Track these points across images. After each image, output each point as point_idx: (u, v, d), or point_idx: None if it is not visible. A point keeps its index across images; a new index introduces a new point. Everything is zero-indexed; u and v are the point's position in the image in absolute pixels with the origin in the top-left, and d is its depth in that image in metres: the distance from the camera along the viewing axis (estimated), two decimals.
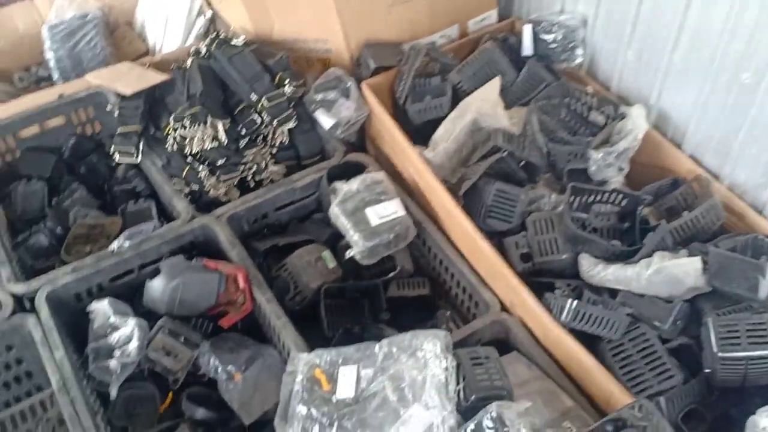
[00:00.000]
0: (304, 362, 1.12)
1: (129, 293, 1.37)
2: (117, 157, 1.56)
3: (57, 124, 1.71)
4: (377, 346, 1.09)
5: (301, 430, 1.03)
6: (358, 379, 1.06)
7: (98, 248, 1.48)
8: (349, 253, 1.41)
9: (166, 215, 1.56)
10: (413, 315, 1.41)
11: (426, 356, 1.05)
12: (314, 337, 1.26)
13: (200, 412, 1.22)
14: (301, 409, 1.05)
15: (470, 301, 1.38)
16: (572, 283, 1.27)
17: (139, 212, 1.56)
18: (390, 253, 1.41)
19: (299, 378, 1.10)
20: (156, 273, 1.34)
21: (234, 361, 1.26)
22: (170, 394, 1.27)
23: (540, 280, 1.28)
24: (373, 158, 1.58)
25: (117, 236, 1.49)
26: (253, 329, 1.38)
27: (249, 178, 1.58)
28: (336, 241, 1.48)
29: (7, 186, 1.63)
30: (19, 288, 1.28)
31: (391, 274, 1.41)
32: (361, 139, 1.70)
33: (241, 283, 1.30)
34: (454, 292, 1.42)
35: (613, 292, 1.25)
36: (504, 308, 1.29)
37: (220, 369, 1.25)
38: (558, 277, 1.30)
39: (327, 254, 1.42)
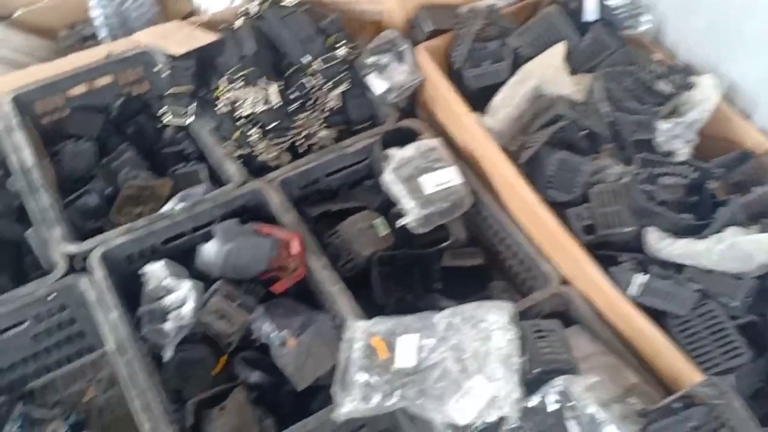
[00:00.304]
0: (361, 330, 1.10)
1: (180, 256, 1.35)
2: (167, 118, 1.54)
3: (104, 83, 1.68)
4: (438, 316, 1.06)
5: (361, 398, 1.01)
6: (419, 348, 1.04)
7: (149, 210, 1.46)
8: (402, 221, 1.38)
9: (215, 179, 1.54)
10: (465, 286, 1.38)
11: (490, 327, 1.02)
12: (365, 305, 1.24)
13: (255, 376, 1.21)
14: (361, 377, 1.03)
15: (527, 273, 1.34)
16: (637, 256, 1.23)
17: (188, 175, 1.54)
18: (444, 222, 1.37)
19: (357, 345, 1.08)
20: (208, 236, 1.33)
21: (287, 327, 1.24)
22: (223, 358, 1.26)
23: (602, 254, 1.23)
24: (425, 125, 1.53)
25: (168, 198, 1.48)
26: (304, 295, 1.36)
27: (299, 142, 1.55)
28: (387, 209, 1.46)
29: (55, 145, 1.62)
30: (73, 248, 1.27)
31: (445, 243, 1.38)
32: (412, 104, 1.66)
33: (296, 249, 1.27)
34: (510, 264, 1.39)
35: (678, 267, 1.21)
36: (563, 281, 1.25)
37: (273, 334, 1.23)
38: (620, 251, 1.26)
39: (379, 221, 1.39)
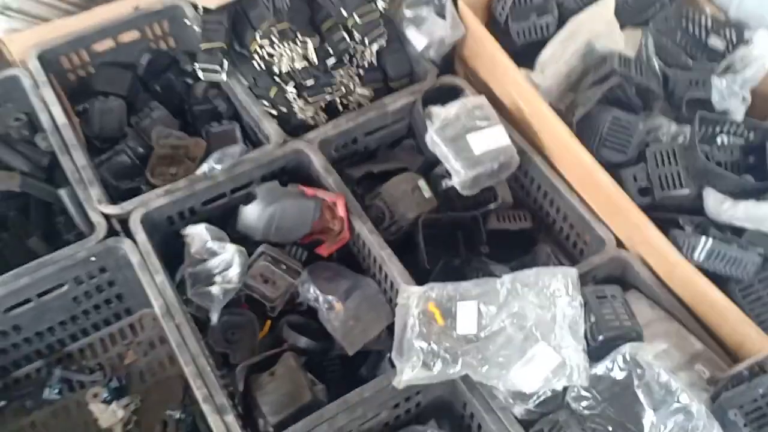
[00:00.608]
0: (416, 295, 1.07)
1: (218, 217, 1.32)
2: (201, 75, 1.48)
3: (131, 38, 1.62)
4: (499, 283, 1.03)
5: (422, 366, 0.99)
6: (480, 315, 1.01)
7: (183, 170, 1.42)
8: (448, 183, 1.34)
9: (249, 138, 1.49)
10: (509, 249, 1.35)
11: (555, 294, 0.99)
12: (408, 268, 1.21)
13: (303, 341, 1.18)
14: (421, 344, 1.00)
15: (578, 237, 1.31)
16: (694, 219, 1.19)
17: (223, 134, 1.50)
18: (491, 183, 1.33)
19: (413, 311, 1.05)
20: (248, 198, 1.29)
21: (334, 291, 1.21)
22: (268, 323, 1.23)
23: (658, 216, 1.19)
24: (466, 82, 1.48)
25: (202, 158, 1.44)
26: (345, 259, 1.32)
27: (337, 101, 1.50)
28: (428, 170, 1.41)
29: (82, 103, 1.57)
30: (113, 209, 1.23)
31: (492, 206, 1.34)
32: (449, 60, 1.60)
33: (341, 212, 1.24)
34: (559, 227, 1.35)
35: (738, 231, 1.17)
36: (619, 245, 1.21)
37: (321, 298, 1.21)
38: (676, 213, 1.22)
39: (423, 183, 1.35)
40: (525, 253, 1.36)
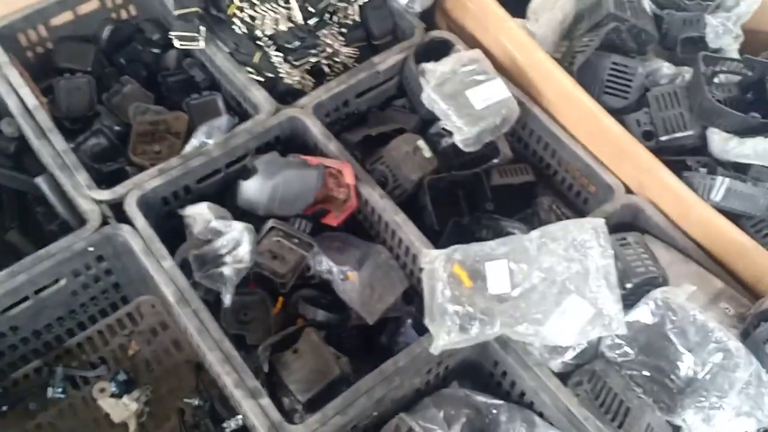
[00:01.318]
0: (441, 259, 1.04)
1: (215, 195, 1.25)
2: (177, 44, 1.39)
3: (90, 8, 1.52)
4: (527, 239, 1.01)
5: (459, 329, 0.97)
6: (511, 273, 0.99)
7: (167, 147, 1.35)
8: (449, 141, 1.31)
9: (232, 109, 1.42)
10: (511, 204, 1.33)
11: (584, 245, 0.98)
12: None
13: (321, 314, 1.15)
14: (455, 308, 0.99)
15: (582, 187, 1.30)
16: (701, 159, 1.20)
17: (204, 106, 1.42)
18: (492, 138, 1.31)
19: (439, 275, 1.03)
20: (244, 171, 1.23)
21: (346, 261, 1.18)
22: (281, 300, 1.19)
23: (667, 159, 1.20)
24: (456, 36, 1.43)
25: (186, 133, 1.37)
26: (350, 227, 1.29)
27: (323, 63, 1.44)
28: (424, 129, 1.38)
29: (44, 82, 1.46)
30: (105, 195, 1.16)
31: (495, 161, 1.31)
32: (429, 14, 1.55)
33: (348, 179, 1.19)
34: (561, 178, 1.34)
35: (743, 168, 1.19)
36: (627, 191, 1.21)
37: (334, 269, 1.17)
38: (680, 155, 1.23)
39: (422, 143, 1.32)
40: (526, 206, 1.35)
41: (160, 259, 1.09)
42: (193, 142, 1.30)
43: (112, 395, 1.18)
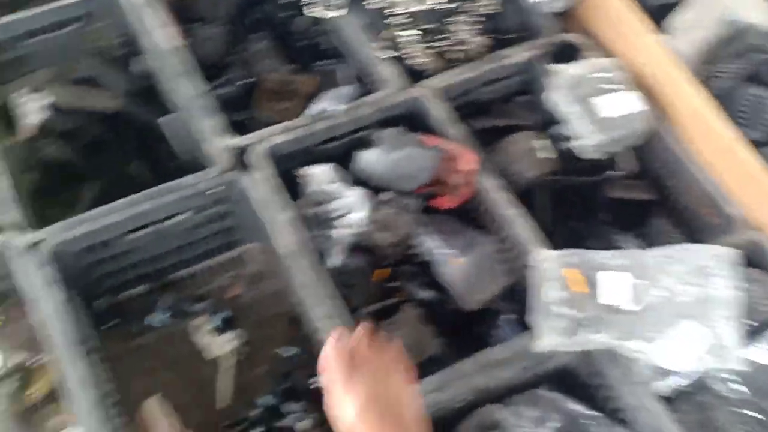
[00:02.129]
0: (554, 260, 1.05)
1: (328, 159, 1.28)
2: (310, 9, 1.42)
3: None
4: (647, 255, 1.00)
5: (565, 332, 0.97)
6: (627, 287, 0.99)
7: (292, 106, 1.39)
8: (568, 145, 1.30)
9: (359, 81, 1.44)
10: (624, 218, 1.32)
11: (709, 273, 0.96)
12: None
13: (423, 292, 1.17)
14: (562, 310, 0.99)
15: (703, 215, 1.27)
16: None
17: (332, 74, 1.45)
18: (616, 149, 1.29)
19: (550, 275, 1.03)
20: (361, 142, 1.26)
21: (454, 244, 1.19)
22: (386, 271, 1.21)
23: None
24: (589, 41, 1.42)
25: (310, 96, 1.40)
26: (458, 213, 1.30)
27: (451, 48, 1.44)
28: (544, 129, 1.37)
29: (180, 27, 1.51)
30: (236, 142, 1.20)
31: (618, 173, 1.30)
32: (564, 16, 1.53)
33: (470, 165, 1.20)
34: (681, 201, 1.31)
35: None
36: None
37: (440, 251, 1.19)
38: None
39: (541, 143, 1.31)
40: (638, 223, 1.33)
41: (278, 211, 1.12)
42: (319, 106, 1.34)
43: (211, 331, 1.23)
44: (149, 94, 1.46)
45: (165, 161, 1.40)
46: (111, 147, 1.41)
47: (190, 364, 1.23)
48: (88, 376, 0.98)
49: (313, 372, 1.14)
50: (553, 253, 1.05)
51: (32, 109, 1.39)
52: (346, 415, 0.76)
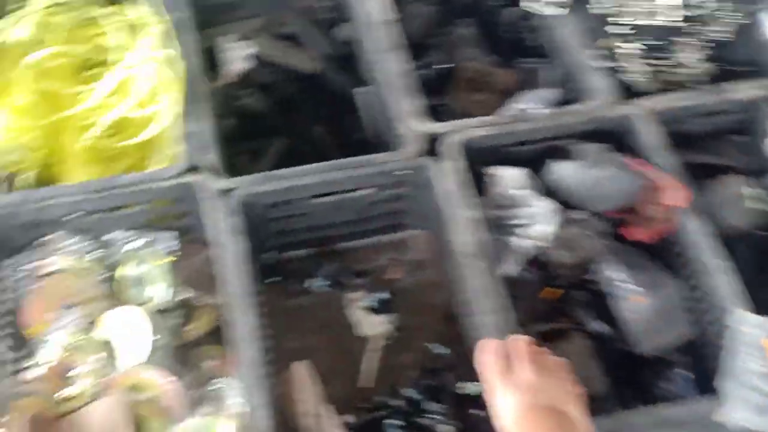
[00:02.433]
0: (754, 325, 0.94)
1: (515, 163, 1.22)
2: (536, 6, 1.36)
3: None
4: None
5: (757, 409, 0.88)
6: None
7: (487, 100, 1.34)
8: None
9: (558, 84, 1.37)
10: None
11: None
12: None
13: (596, 324, 1.10)
14: (759, 385, 0.89)
15: None
16: None
17: (533, 72, 1.39)
18: None
19: (750, 342, 0.93)
20: (556, 151, 1.19)
21: (637, 280, 1.11)
22: (558, 291, 1.15)
23: None
24: None
25: (505, 93, 1.35)
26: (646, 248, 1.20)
27: (670, 70, 1.34)
28: (757, 177, 1.25)
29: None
30: (431, 127, 1.17)
31: None
32: None
33: (675, 201, 1.11)
34: None
35: None
36: None
37: (621, 284, 1.11)
38: None
39: (756, 192, 1.19)
40: None
41: (462, 206, 1.09)
42: (516, 105, 1.28)
43: (366, 309, 1.22)
44: (346, 63, 1.46)
45: (349, 131, 1.40)
46: (301, 107, 1.43)
47: (340, 336, 1.23)
48: (255, 328, 0.99)
49: (461, 376, 1.13)
50: (757, 318, 0.95)
51: (236, 56, 1.43)
52: (506, 416, 0.72)
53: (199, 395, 1.04)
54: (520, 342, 0.84)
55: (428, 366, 1.17)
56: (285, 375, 1.13)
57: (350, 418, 1.10)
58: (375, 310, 1.22)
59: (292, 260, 1.29)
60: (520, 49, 1.45)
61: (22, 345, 1.08)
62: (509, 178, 1.15)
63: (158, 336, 1.09)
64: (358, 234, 1.31)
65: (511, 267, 1.10)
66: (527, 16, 1.45)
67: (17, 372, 1.05)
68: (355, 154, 1.18)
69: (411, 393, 1.12)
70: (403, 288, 1.28)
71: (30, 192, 1.12)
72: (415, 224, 1.31)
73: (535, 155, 1.22)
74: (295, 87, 1.44)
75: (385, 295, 1.23)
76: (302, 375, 1.13)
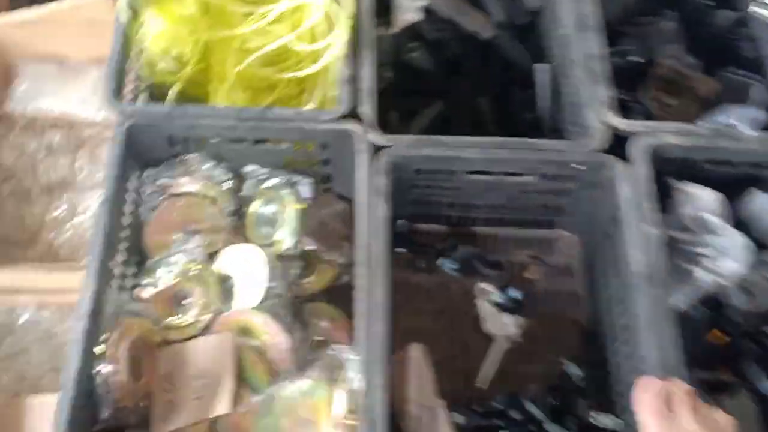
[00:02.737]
0: None
1: (709, 184, 1.06)
2: (753, 7, 1.17)
3: None
4: None
5: None
6: None
7: (681, 107, 1.18)
8: None
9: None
10: None
11: None
12: None
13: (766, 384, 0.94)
14: None
15: None
16: None
17: (738, 85, 1.21)
18: None
19: None
20: (756, 180, 1.02)
21: None
22: (724, 337, 0.99)
23: None
24: None
25: (706, 103, 1.18)
26: None
27: None
28: None
29: None
30: (620, 124, 1.02)
31: None
32: None
33: None
34: None
35: None
36: None
37: None
38: None
39: None
40: None
41: (643, 219, 0.94)
42: (719, 118, 1.11)
43: (495, 304, 1.11)
44: (524, 34, 1.33)
45: (516, 108, 1.28)
46: (468, 73, 1.31)
47: (460, 326, 1.13)
48: (386, 302, 0.90)
49: (594, 404, 1.00)
50: None
51: (409, 6, 1.33)
52: None
53: (309, 357, 0.95)
54: (685, 387, 0.77)
55: (555, 383, 1.04)
56: (398, 354, 1.04)
57: (460, 419, 0.99)
58: (505, 309, 1.11)
59: (427, 234, 1.19)
60: (730, 58, 1.27)
61: (143, 261, 1.04)
62: (704, 200, 1.00)
63: (275, 283, 1.02)
64: (502, 221, 1.19)
65: (681, 299, 0.95)
66: (745, 21, 1.27)
67: (133, 287, 1.00)
68: (515, 135, 1.05)
69: (533, 408, 1.00)
70: (539, 292, 1.15)
71: (181, 107, 1.06)
72: (568, 225, 1.18)
73: (731, 180, 1.05)
74: (465, 50, 1.32)
75: (519, 295, 1.11)
76: (418, 359, 1.03)
